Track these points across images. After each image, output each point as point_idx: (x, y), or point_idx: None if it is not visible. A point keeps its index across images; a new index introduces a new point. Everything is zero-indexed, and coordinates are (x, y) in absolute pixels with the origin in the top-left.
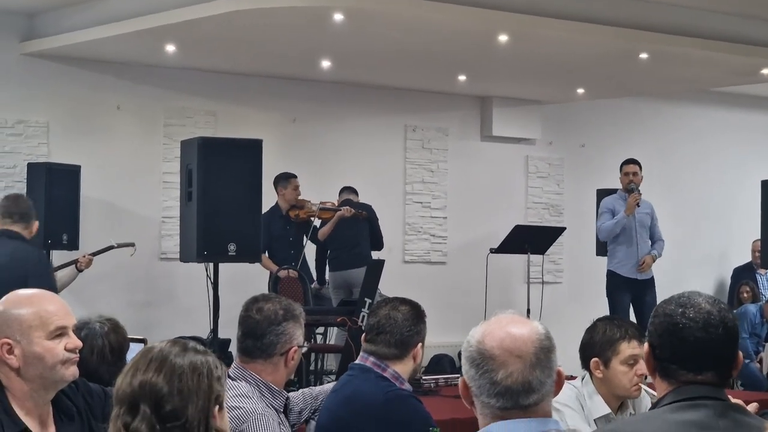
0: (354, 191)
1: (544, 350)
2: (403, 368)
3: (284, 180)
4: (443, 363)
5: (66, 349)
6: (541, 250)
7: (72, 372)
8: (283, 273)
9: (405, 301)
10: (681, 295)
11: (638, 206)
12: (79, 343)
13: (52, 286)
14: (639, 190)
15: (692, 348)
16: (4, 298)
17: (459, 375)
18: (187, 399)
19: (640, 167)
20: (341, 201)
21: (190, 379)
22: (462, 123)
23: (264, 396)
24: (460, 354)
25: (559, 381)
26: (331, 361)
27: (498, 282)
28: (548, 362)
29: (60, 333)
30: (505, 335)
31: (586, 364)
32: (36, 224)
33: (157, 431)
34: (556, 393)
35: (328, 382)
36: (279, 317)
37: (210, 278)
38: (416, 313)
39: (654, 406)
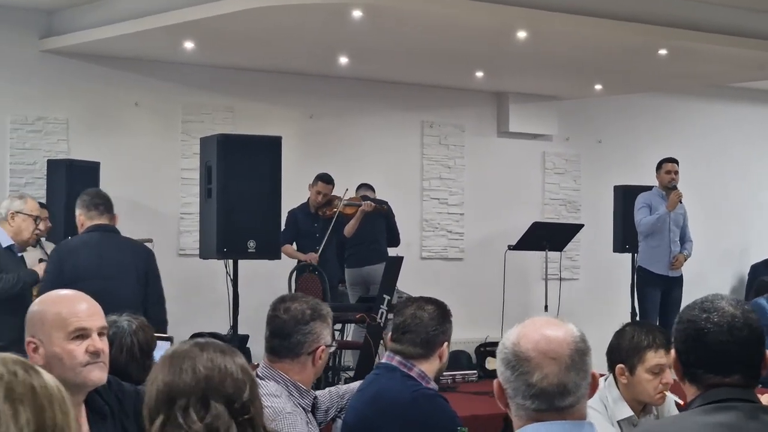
0: (371, 188)
1: (579, 353)
2: (429, 367)
3: (313, 181)
4: (461, 359)
5: (87, 352)
6: (559, 247)
7: (96, 376)
8: (311, 258)
9: (431, 301)
10: (704, 300)
11: (680, 203)
12: (101, 346)
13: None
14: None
15: (718, 352)
16: (35, 301)
17: (475, 371)
18: (251, 396)
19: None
20: (361, 197)
21: (246, 376)
22: (478, 119)
23: (292, 395)
24: (478, 350)
25: (594, 383)
26: (348, 357)
27: (515, 278)
28: (583, 365)
29: (80, 335)
30: (541, 337)
31: (612, 368)
32: (114, 215)
33: (234, 423)
34: (591, 395)
35: (346, 378)
36: (306, 317)
37: (230, 275)
38: (442, 313)
39: (683, 410)
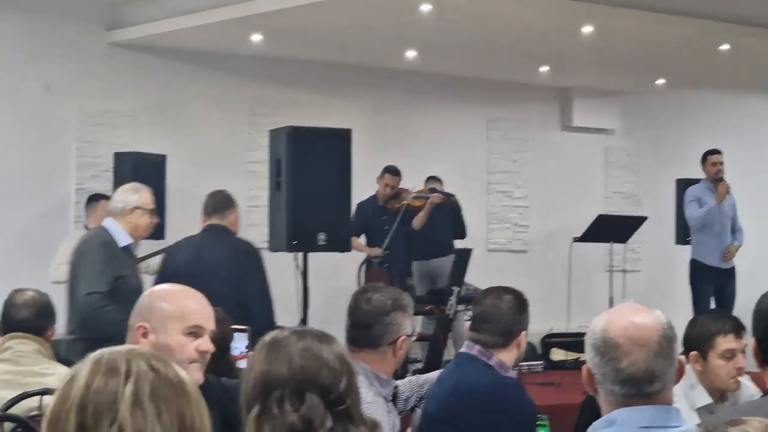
0: (439, 180)
1: (667, 339)
2: (507, 356)
3: (381, 174)
4: (526, 350)
5: (198, 350)
6: (623, 239)
7: (196, 376)
8: (374, 253)
9: (509, 290)
10: None
11: (728, 194)
12: (212, 348)
13: (265, 279)
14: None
15: None
16: (150, 289)
17: (541, 362)
18: (348, 386)
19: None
20: (429, 190)
21: (344, 366)
22: (542, 114)
23: (373, 385)
24: (543, 341)
25: (680, 370)
26: (416, 350)
27: (578, 270)
28: (671, 351)
29: (195, 332)
30: (629, 324)
31: (687, 357)
32: (234, 214)
33: (330, 414)
34: (677, 381)
35: (414, 370)
36: (387, 307)
37: (299, 268)
38: (520, 303)
39: (765, 394)
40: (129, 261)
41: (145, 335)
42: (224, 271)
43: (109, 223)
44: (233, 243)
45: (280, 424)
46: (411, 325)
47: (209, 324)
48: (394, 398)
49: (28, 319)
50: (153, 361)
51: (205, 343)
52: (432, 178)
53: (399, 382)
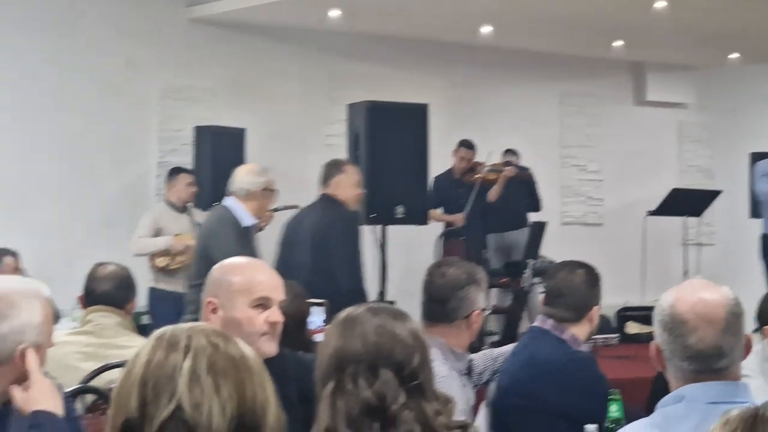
0: (515, 153)
1: (735, 315)
2: (580, 331)
3: (456, 147)
4: (600, 323)
5: (267, 322)
6: (697, 212)
7: (269, 348)
8: (456, 220)
9: (581, 265)
10: None
11: None
12: (280, 318)
13: (351, 246)
14: None
15: None
16: (220, 263)
17: (617, 335)
18: (421, 361)
19: None
20: (503, 163)
21: (417, 342)
22: (616, 88)
23: (447, 359)
24: (618, 315)
25: (747, 346)
26: (492, 323)
27: (652, 244)
28: (738, 327)
29: (262, 304)
30: (697, 300)
31: (761, 331)
32: (335, 181)
33: (403, 390)
34: (744, 357)
35: (491, 342)
36: (462, 282)
37: (378, 241)
38: (592, 277)
39: None
40: (252, 240)
41: (214, 311)
42: (309, 240)
43: (232, 203)
44: (324, 212)
45: (355, 399)
46: (485, 299)
47: (277, 294)
48: (469, 372)
49: (109, 292)
50: (213, 336)
51: (274, 314)
52: (508, 151)
53: (473, 356)
